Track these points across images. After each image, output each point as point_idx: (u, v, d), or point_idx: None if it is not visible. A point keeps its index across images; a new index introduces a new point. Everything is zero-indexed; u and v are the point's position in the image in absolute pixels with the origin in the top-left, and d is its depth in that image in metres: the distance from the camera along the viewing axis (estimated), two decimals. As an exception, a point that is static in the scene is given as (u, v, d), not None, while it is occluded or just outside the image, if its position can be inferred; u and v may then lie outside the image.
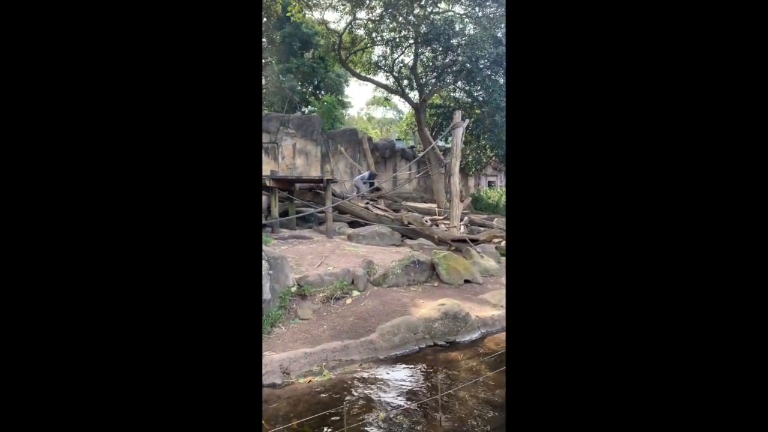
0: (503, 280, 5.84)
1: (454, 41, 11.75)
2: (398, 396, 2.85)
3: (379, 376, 3.15)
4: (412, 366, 3.38)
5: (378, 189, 10.75)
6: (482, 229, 10.88)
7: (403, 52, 12.98)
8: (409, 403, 2.72)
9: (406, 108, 16.17)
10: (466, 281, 5.41)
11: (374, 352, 3.52)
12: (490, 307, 4.59)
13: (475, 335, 4.05)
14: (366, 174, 10.56)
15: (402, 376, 3.19)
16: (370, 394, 2.86)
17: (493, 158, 14.88)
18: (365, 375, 3.17)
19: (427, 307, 4.25)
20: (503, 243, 10.21)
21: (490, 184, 22.12)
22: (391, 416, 2.54)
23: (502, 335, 4.10)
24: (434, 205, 12.89)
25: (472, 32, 11.73)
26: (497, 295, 4.87)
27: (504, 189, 18.32)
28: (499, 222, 12.08)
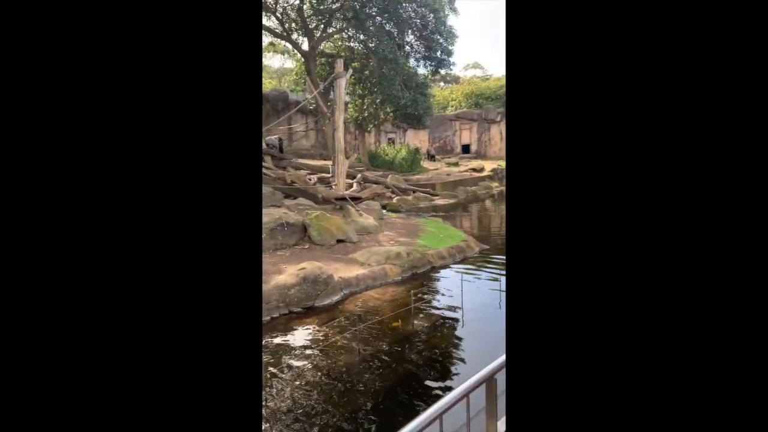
0: (380, 237, 5.80)
1: (342, -18, 10.85)
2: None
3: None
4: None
5: (281, 151, 10.32)
6: (377, 186, 10.85)
7: (287, -10, 11.65)
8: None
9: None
10: (339, 241, 5.22)
11: (214, 329, 3.13)
12: (357, 267, 4.48)
13: (336, 297, 3.89)
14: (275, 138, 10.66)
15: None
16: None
17: (390, 114, 14.71)
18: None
19: (287, 273, 3.94)
20: (395, 199, 10.35)
21: (390, 141, 22.22)
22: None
23: (364, 295, 4.03)
24: (329, 163, 12.43)
25: (360, -27, 10.94)
26: (367, 253, 4.78)
27: (401, 145, 18.51)
28: (393, 179, 12.18)
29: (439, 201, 10.70)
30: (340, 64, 7.58)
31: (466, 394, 0.99)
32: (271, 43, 14.13)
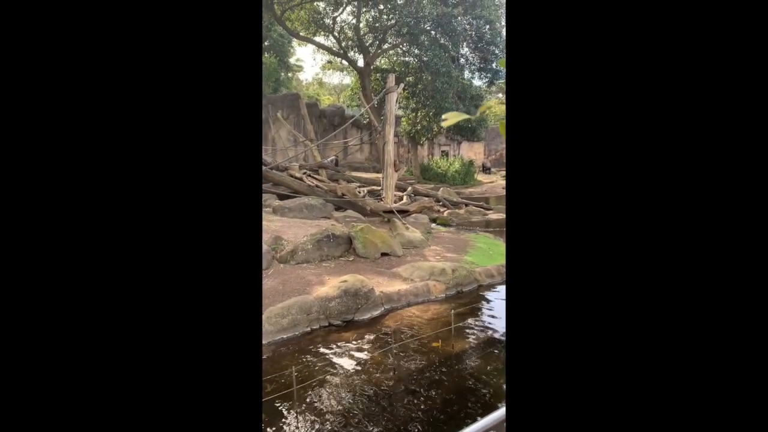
0: (426, 252, 5.67)
1: (398, 0, 11.06)
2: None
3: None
4: (291, 350, 3.11)
5: (336, 164, 10.73)
6: (426, 199, 10.73)
7: (344, 10, 12.12)
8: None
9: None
10: (384, 254, 5.18)
11: (256, 337, 3.22)
12: (399, 282, 4.39)
13: (376, 312, 3.83)
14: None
15: (269, 364, 2.91)
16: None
17: (443, 127, 14.56)
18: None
19: (329, 285, 3.97)
20: (446, 213, 10.15)
21: (444, 154, 21.98)
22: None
23: (405, 311, 3.92)
24: (381, 176, 12.56)
25: (415, -10, 11.07)
26: (410, 268, 4.68)
27: (455, 158, 18.21)
28: (445, 192, 11.97)
29: (493, 215, 10.28)
30: (391, 79, 7.67)
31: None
32: (329, 61, 14.74)
